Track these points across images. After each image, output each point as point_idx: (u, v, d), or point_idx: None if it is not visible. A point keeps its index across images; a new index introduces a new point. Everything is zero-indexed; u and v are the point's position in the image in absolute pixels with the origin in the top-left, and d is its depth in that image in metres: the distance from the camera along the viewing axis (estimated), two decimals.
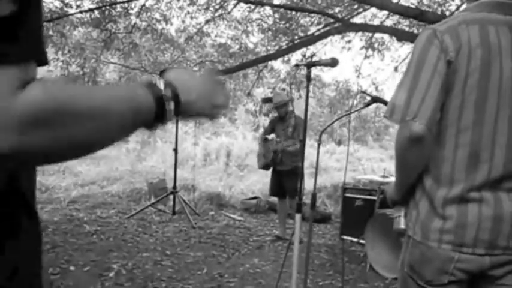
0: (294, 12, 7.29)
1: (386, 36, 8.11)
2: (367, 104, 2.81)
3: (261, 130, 11.99)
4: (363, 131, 16.45)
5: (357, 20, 7.61)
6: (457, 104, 1.16)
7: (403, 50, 16.54)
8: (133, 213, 5.34)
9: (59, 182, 7.13)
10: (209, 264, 3.75)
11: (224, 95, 0.75)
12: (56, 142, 0.50)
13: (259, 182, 7.84)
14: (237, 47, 8.35)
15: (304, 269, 2.64)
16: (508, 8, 1.19)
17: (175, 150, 5.56)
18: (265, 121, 15.10)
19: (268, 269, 3.72)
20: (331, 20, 7.12)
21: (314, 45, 7.69)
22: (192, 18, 7.92)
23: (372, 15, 7.90)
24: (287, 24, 7.47)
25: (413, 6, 6.13)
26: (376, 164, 11.98)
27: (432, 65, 1.15)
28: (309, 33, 7.55)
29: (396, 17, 7.23)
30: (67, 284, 3.05)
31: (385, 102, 2.58)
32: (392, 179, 3.72)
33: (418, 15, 5.06)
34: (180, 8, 7.74)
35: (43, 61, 0.52)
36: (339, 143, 16.67)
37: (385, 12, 7.23)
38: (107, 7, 6.38)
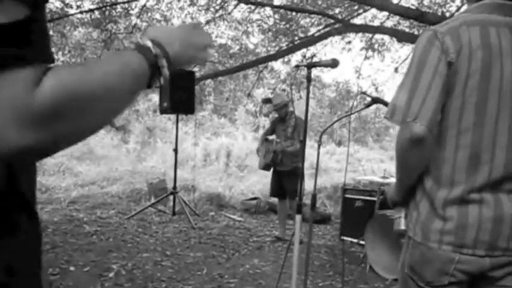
0: (294, 13, 7.30)
1: (386, 37, 8.12)
2: (368, 105, 2.81)
3: (261, 131, 11.99)
4: (363, 132, 16.46)
5: (357, 21, 7.62)
6: (458, 105, 1.16)
7: (403, 51, 16.58)
8: (133, 213, 5.34)
9: (59, 183, 7.13)
10: (209, 265, 3.75)
11: (205, 34, 0.77)
12: (73, 127, 0.53)
13: (259, 182, 7.84)
14: (237, 47, 8.36)
15: (304, 269, 2.64)
16: (509, 9, 1.19)
17: (175, 150, 5.56)
18: (265, 122, 15.11)
19: (268, 270, 3.72)
20: (332, 21, 7.13)
21: (314, 46, 7.70)
22: (192, 18, 7.92)
23: (372, 16, 7.92)
24: (287, 25, 7.48)
25: (413, 7, 6.13)
26: (376, 165, 11.98)
27: (433, 66, 1.15)
28: (309, 34, 7.56)
29: (396, 18, 7.24)
30: (67, 285, 3.05)
31: (385, 103, 2.59)
32: (393, 180, 3.73)
33: (419, 16, 5.07)
34: (181, 8, 7.75)
35: (51, 60, 0.54)
36: (339, 143, 16.67)
37: (386, 13, 7.25)
38: (108, 7, 6.39)
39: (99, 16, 6.48)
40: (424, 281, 1.21)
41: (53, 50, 6.81)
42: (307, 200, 3.48)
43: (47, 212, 5.25)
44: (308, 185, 3.78)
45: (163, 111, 5.56)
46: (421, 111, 1.14)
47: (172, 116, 9.83)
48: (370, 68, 30.90)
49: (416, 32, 7.01)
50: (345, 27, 6.74)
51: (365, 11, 7.48)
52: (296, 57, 8.20)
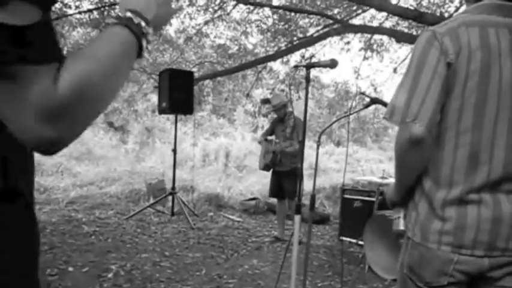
0: (293, 14, 7.30)
1: (385, 38, 8.13)
2: (367, 106, 2.81)
3: (260, 131, 11.97)
4: (361, 132, 16.46)
5: (356, 21, 7.62)
6: (457, 106, 1.16)
7: (402, 52, 16.57)
8: (132, 214, 5.33)
9: (57, 183, 7.12)
10: (208, 265, 3.75)
11: None
12: (90, 112, 0.58)
13: (258, 183, 7.84)
14: (236, 48, 8.37)
15: (303, 270, 2.64)
16: (508, 10, 1.19)
17: (174, 151, 5.55)
18: (264, 122, 15.12)
19: (267, 270, 3.72)
20: (330, 21, 7.14)
21: (313, 46, 7.70)
22: (191, 19, 7.93)
23: (371, 16, 7.93)
24: (286, 26, 7.49)
25: (412, 8, 6.15)
26: (375, 165, 12.00)
27: (432, 66, 1.15)
28: (308, 34, 7.56)
29: (395, 18, 7.25)
30: (65, 285, 3.05)
31: (384, 104, 2.59)
32: (391, 180, 3.73)
33: (417, 16, 5.08)
34: (180, 8, 7.74)
35: (61, 56, 0.58)
36: (338, 144, 16.69)
37: (384, 14, 7.25)
38: (106, 8, 6.38)
39: (97, 16, 6.48)
40: (423, 282, 1.21)
41: None
42: (306, 201, 3.49)
43: (45, 212, 5.24)
44: (307, 185, 3.78)
45: (162, 111, 5.56)
46: (420, 111, 1.14)
47: (171, 116, 9.84)
48: (369, 68, 30.95)
49: (415, 33, 7.02)
50: (343, 27, 6.75)
51: (364, 11, 7.49)
52: (295, 58, 8.22)
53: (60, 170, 8.10)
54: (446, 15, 6.25)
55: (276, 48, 7.75)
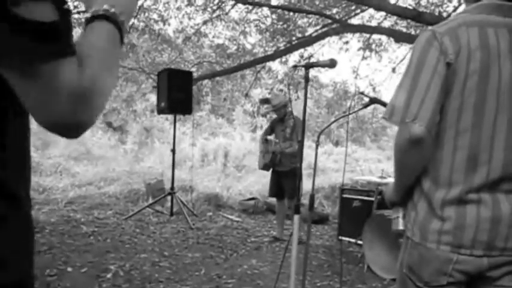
0: (291, 13, 7.30)
1: (384, 37, 8.13)
2: (366, 105, 2.81)
3: (259, 131, 11.96)
4: (360, 132, 16.46)
5: (355, 21, 7.62)
6: (456, 106, 1.16)
7: (401, 51, 16.58)
8: (130, 214, 5.33)
9: (56, 183, 7.11)
10: (207, 265, 3.74)
11: None
12: (103, 99, 0.65)
13: (257, 182, 7.84)
14: (235, 47, 8.36)
15: (302, 270, 2.64)
16: (508, 10, 1.19)
17: (173, 150, 5.55)
18: (263, 122, 15.12)
19: (266, 270, 3.72)
20: (329, 21, 7.13)
21: (312, 46, 7.70)
22: (189, 18, 7.93)
23: (370, 16, 7.93)
24: (285, 25, 7.49)
25: (410, 8, 6.15)
26: (373, 164, 12.00)
27: (432, 66, 1.15)
28: (306, 34, 7.56)
29: (394, 18, 7.25)
30: (64, 286, 3.04)
31: (383, 104, 2.58)
32: (390, 179, 3.73)
33: (416, 16, 5.08)
34: (178, 8, 7.75)
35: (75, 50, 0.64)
36: (337, 144, 16.69)
37: (383, 14, 7.25)
38: None
39: None
40: (422, 281, 1.21)
41: None
42: (305, 200, 3.49)
43: (44, 212, 5.23)
44: (306, 185, 3.78)
45: (160, 111, 5.55)
46: (420, 111, 1.14)
47: (170, 116, 9.82)
48: (368, 68, 30.88)
49: (413, 32, 7.03)
50: (342, 27, 6.75)
51: (362, 11, 7.49)
52: (294, 58, 8.21)
53: (59, 170, 8.08)
54: (444, 14, 6.25)
55: (274, 48, 7.75)
